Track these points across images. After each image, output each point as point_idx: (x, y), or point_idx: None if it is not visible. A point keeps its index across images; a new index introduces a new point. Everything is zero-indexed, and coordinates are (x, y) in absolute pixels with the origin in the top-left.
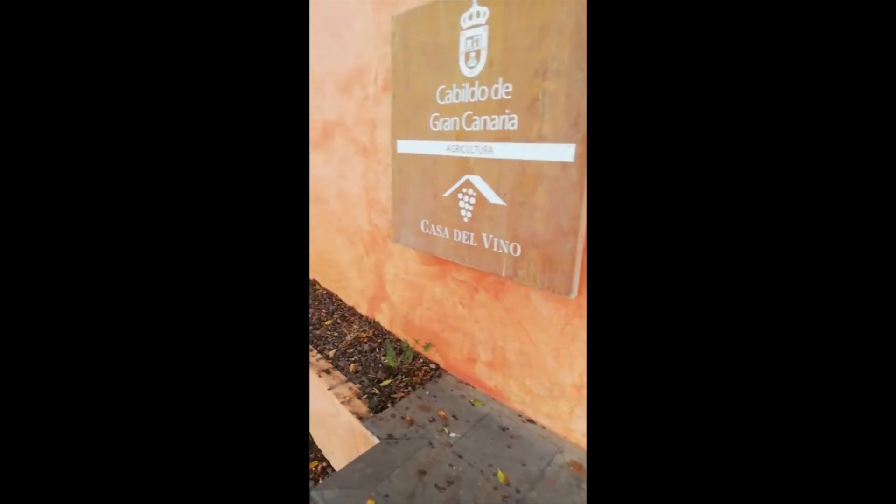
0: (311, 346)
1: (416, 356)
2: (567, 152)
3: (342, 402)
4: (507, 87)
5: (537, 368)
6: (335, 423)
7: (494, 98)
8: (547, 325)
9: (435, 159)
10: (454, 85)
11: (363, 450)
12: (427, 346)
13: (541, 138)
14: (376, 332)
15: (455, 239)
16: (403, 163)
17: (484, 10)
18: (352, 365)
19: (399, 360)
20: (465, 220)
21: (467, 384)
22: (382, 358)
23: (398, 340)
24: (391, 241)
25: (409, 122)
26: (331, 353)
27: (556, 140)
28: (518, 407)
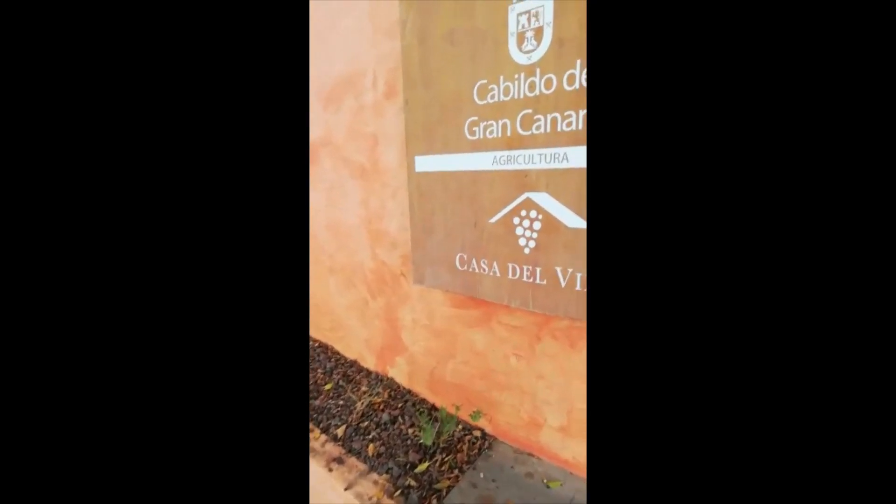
0: (310, 424)
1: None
2: None
3: None
4: None
5: None
6: None
7: (568, 88)
8: None
9: (475, 176)
10: (501, 77)
11: None
12: (476, 415)
13: None
14: (393, 394)
15: (511, 276)
16: (426, 184)
17: None
18: (370, 446)
19: (438, 433)
20: (527, 251)
21: (530, 455)
22: (411, 431)
23: (425, 404)
24: (412, 283)
25: (432, 132)
26: (339, 431)
27: None
28: None
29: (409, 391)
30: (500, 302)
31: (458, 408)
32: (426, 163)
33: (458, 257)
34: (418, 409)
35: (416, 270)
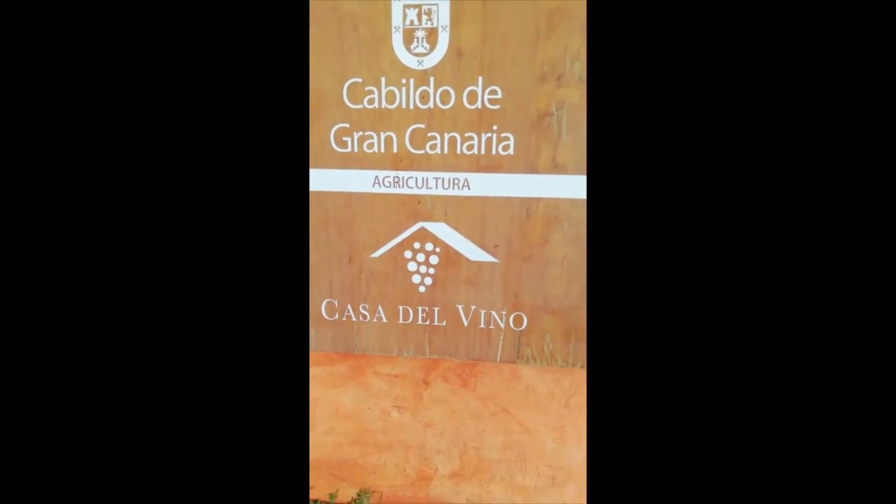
0: None
1: None
2: None
3: None
4: (494, 92)
5: (534, 458)
6: None
7: (470, 106)
8: (546, 404)
9: (348, 199)
10: (384, 79)
11: None
12: (362, 498)
13: (556, 168)
14: None
15: (402, 321)
16: None
17: None
18: None
19: None
20: (422, 289)
21: None
22: None
23: None
24: None
25: None
26: None
27: (580, 171)
28: None
29: None
30: (386, 354)
31: (333, 496)
32: None
33: (324, 304)
34: None
35: None
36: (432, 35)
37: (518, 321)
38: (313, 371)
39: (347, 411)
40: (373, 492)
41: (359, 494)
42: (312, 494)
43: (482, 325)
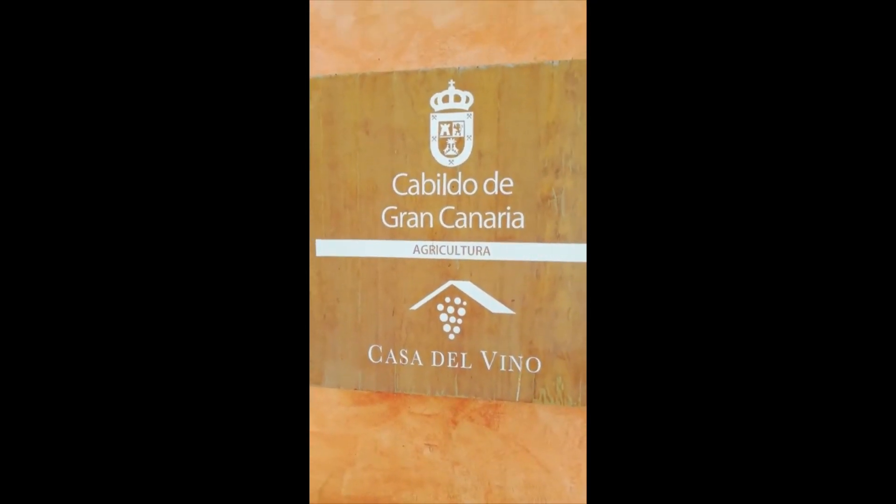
0: None
1: None
2: None
3: None
4: (507, 182)
5: (553, 497)
6: None
7: (489, 193)
8: (562, 443)
9: (394, 264)
10: (423, 174)
11: None
12: None
13: (558, 238)
14: None
15: (434, 364)
16: (330, 270)
17: (466, 94)
18: None
19: None
20: (452, 336)
21: None
22: None
23: None
24: (311, 385)
25: (339, 216)
26: None
27: (579, 240)
28: None
29: None
30: (421, 393)
31: None
32: (330, 247)
33: (371, 349)
34: None
35: (312, 369)
36: (460, 142)
37: (533, 364)
38: (356, 410)
39: (384, 448)
40: None
41: None
42: None
43: (503, 369)
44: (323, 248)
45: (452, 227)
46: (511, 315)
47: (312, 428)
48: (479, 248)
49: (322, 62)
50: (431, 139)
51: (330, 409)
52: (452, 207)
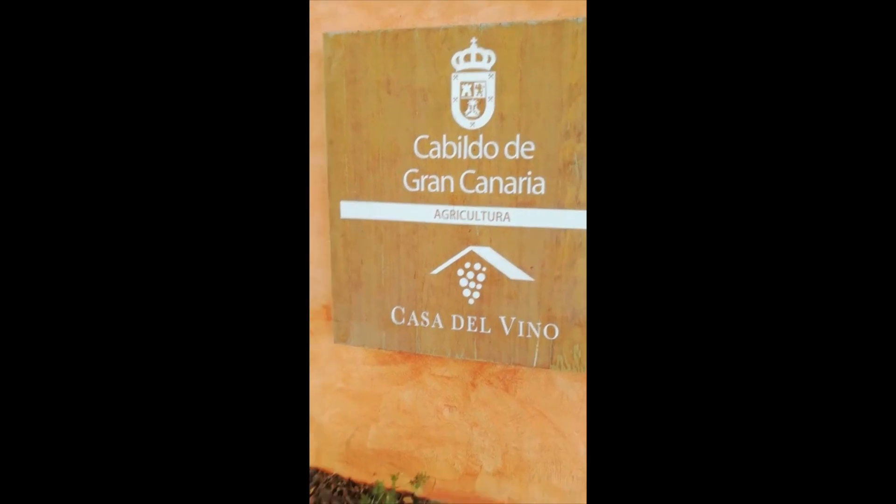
0: None
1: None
2: None
3: None
4: (529, 146)
5: (568, 462)
6: None
7: (510, 157)
8: (578, 409)
9: (416, 228)
10: (444, 136)
11: None
12: (419, 482)
13: (578, 205)
14: None
15: (454, 328)
16: (354, 232)
17: (488, 53)
18: None
19: None
20: (471, 301)
21: None
22: None
23: (340, 480)
24: (334, 341)
25: (362, 178)
26: None
27: None
28: None
29: (317, 469)
30: (441, 355)
31: (395, 478)
32: (354, 209)
33: (394, 311)
34: (336, 490)
35: (338, 328)
36: (481, 103)
37: (551, 332)
38: (380, 370)
39: (406, 407)
40: (427, 478)
41: (417, 477)
42: (375, 479)
43: (521, 335)
44: (347, 209)
45: (473, 191)
46: (530, 282)
47: (338, 385)
48: (499, 214)
49: (344, 18)
50: (453, 100)
51: (356, 368)
52: (473, 171)
